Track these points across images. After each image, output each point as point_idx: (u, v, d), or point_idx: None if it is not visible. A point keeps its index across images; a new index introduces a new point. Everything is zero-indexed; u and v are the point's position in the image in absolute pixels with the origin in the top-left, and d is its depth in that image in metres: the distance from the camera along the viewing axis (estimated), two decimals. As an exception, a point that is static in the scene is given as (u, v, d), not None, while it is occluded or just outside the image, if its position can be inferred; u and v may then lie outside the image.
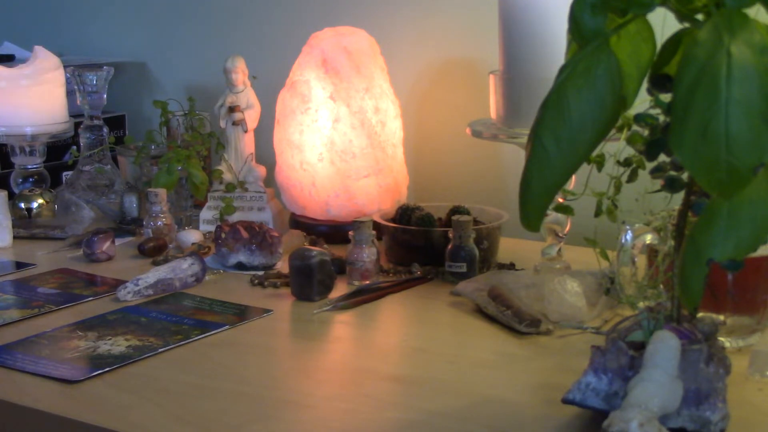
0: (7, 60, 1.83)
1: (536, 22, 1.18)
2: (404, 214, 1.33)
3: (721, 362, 0.81)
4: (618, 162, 0.97)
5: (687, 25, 0.79)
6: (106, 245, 1.37)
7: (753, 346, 0.97)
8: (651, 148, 0.83)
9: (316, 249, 1.22)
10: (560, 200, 1.15)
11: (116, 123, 1.83)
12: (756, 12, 0.73)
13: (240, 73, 1.49)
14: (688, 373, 0.79)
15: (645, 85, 0.80)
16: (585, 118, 0.76)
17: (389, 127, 1.43)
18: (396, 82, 1.48)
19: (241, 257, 1.31)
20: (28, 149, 1.59)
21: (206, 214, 1.51)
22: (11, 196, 1.54)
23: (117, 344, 1.05)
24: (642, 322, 0.84)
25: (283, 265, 1.29)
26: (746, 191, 0.70)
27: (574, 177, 1.10)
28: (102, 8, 1.95)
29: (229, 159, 1.50)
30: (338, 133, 1.40)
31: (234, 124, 1.49)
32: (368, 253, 1.24)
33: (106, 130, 1.65)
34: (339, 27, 1.45)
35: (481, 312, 1.13)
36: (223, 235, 1.32)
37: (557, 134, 0.76)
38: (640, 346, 0.81)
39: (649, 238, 1.01)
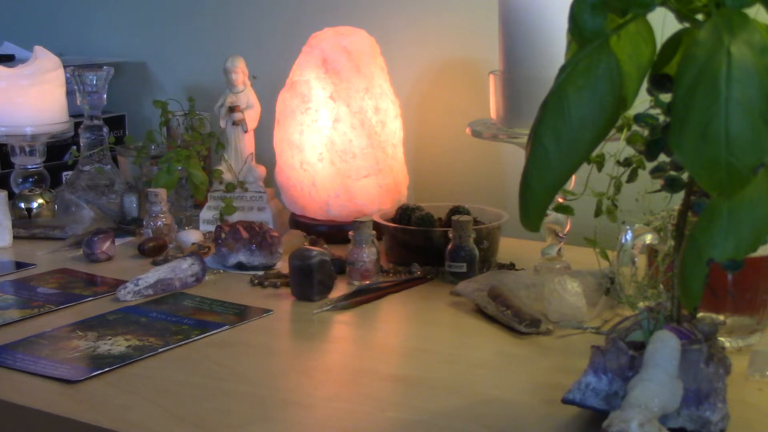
0: (7, 60, 1.83)
1: (536, 22, 1.18)
2: (404, 214, 1.33)
3: (721, 362, 0.81)
4: (618, 162, 0.97)
5: (687, 25, 0.79)
6: (106, 245, 1.37)
7: (753, 346, 0.97)
8: (651, 148, 0.83)
9: (316, 249, 1.22)
10: (560, 200, 1.15)
11: (116, 123, 1.83)
12: (756, 12, 0.73)
13: (240, 73, 1.49)
14: (688, 373, 0.79)
15: (645, 85, 0.80)
16: (585, 118, 0.76)
17: (389, 127, 1.43)
18: (396, 82, 1.48)
19: (241, 257, 1.31)
20: (28, 149, 1.59)
21: (206, 214, 1.51)
22: (11, 196, 1.54)
23: (117, 344, 1.05)
24: (642, 322, 0.84)
25: (283, 265, 1.29)
26: (746, 191, 0.70)
27: (574, 177, 1.10)
28: (102, 8, 1.95)
29: (229, 159, 1.51)
30: (338, 133, 1.40)
31: (234, 124, 1.49)
32: (368, 253, 1.24)
33: (106, 130, 1.64)
34: (339, 27, 1.45)
35: (481, 312, 1.13)
36: (223, 235, 1.32)
37: (557, 134, 0.76)
38: (640, 346, 0.81)
39: (649, 238, 1.01)
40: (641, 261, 1.03)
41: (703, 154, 0.69)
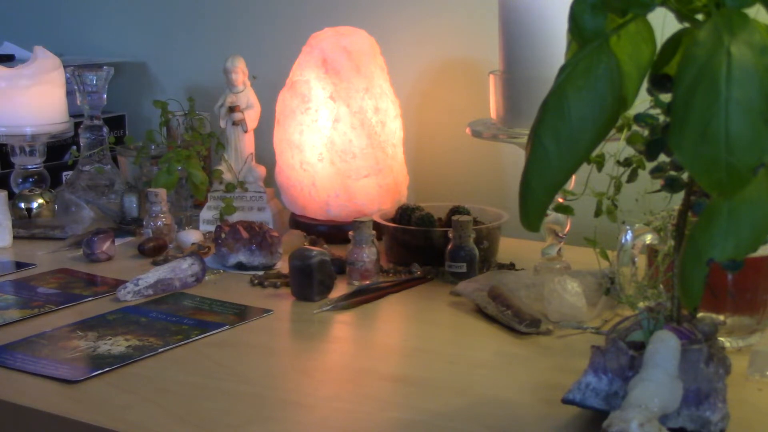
0: (7, 60, 1.83)
1: (536, 22, 1.18)
2: (404, 214, 1.33)
3: (721, 362, 0.81)
4: (618, 162, 0.97)
5: (687, 25, 0.79)
6: (106, 245, 1.37)
7: (753, 346, 0.97)
8: (651, 148, 0.83)
9: (316, 249, 1.22)
10: (560, 200, 1.15)
11: (116, 123, 1.83)
12: (756, 12, 0.73)
13: (240, 73, 1.49)
14: (688, 373, 0.79)
15: (645, 85, 0.80)
16: (585, 118, 0.76)
17: (389, 127, 1.43)
18: (396, 82, 1.48)
19: (241, 257, 1.31)
20: (28, 149, 1.59)
21: (206, 214, 1.51)
22: (11, 196, 1.54)
23: (117, 344, 1.05)
24: (642, 322, 0.84)
25: (283, 265, 1.29)
26: (746, 191, 0.70)
27: (574, 177, 1.10)
28: (102, 8, 1.95)
29: (229, 159, 1.51)
30: (338, 133, 1.40)
31: (234, 124, 1.49)
32: (368, 253, 1.24)
33: (106, 130, 1.64)
34: (339, 27, 1.45)
35: (481, 312, 1.13)
36: (223, 235, 1.32)
37: (557, 134, 0.76)
38: (640, 346, 0.81)
39: (649, 238, 1.01)
40: (641, 261, 1.03)
41: (703, 154, 0.69)
